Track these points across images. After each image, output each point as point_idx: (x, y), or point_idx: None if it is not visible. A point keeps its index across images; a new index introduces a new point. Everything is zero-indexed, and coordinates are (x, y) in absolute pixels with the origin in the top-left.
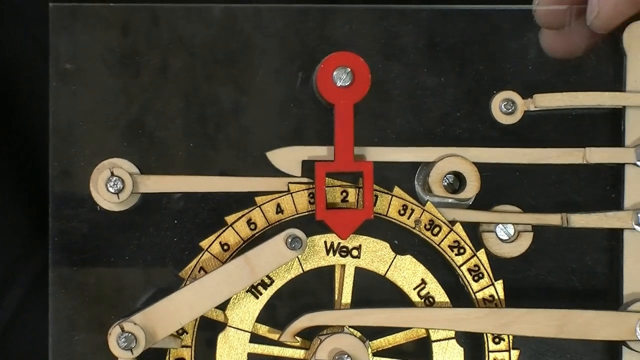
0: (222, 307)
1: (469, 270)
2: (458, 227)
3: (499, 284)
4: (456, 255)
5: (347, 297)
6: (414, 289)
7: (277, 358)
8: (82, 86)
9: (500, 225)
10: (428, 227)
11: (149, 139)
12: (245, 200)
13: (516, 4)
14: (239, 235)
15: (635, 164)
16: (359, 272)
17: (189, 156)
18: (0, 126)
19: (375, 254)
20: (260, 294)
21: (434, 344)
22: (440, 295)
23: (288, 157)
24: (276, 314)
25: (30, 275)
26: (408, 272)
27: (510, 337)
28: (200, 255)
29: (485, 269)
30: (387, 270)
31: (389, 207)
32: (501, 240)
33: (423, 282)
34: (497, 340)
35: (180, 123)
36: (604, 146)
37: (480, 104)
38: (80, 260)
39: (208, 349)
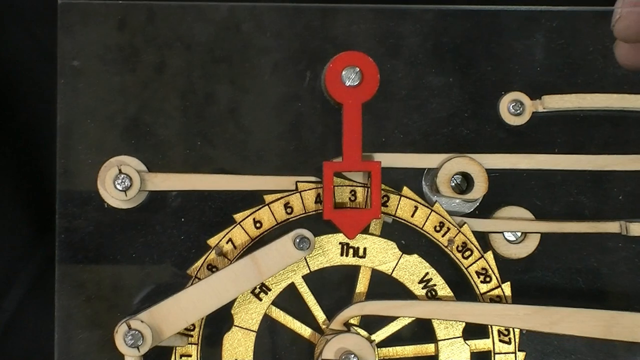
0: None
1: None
2: (466, 229)
3: (507, 286)
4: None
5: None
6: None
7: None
8: (89, 84)
9: None
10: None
11: (156, 136)
12: (251, 199)
13: (523, 5)
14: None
15: None
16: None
17: (196, 154)
18: (0, 126)
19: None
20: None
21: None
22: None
23: None
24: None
25: (30, 275)
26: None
27: (517, 339)
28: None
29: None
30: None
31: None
32: (508, 241)
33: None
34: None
35: (187, 121)
36: (610, 148)
37: (488, 105)
38: (86, 258)
39: (214, 347)
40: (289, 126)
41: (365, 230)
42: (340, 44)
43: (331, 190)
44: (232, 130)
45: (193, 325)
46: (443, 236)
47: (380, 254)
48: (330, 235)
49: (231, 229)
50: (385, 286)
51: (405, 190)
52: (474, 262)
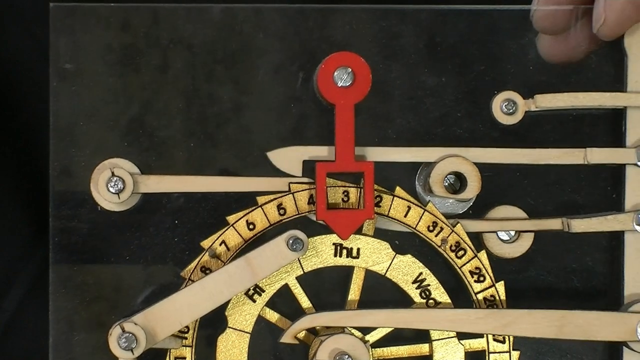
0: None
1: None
2: (459, 228)
3: (500, 285)
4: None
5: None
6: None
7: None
8: (82, 86)
9: None
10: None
11: (149, 138)
12: (246, 200)
13: (516, 4)
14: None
15: (636, 165)
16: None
17: (189, 156)
18: (0, 126)
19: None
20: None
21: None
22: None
23: (289, 157)
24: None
25: (30, 275)
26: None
27: (511, 338)
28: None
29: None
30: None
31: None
32: (502, 240)
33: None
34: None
35: (181, 123)
36: (605, 147)
37: (481, 104)
38: (81, 260)
39: (208, 349)
40: (289, 126)
41: (359, 231)
42: (335, 44)
43: (324, 191)
44: (231, 131)
45: (187, 327)
46: (436, 236)
47: (373, 255)
48: (324, 235)
49: (224, 231)
50: (379, 287)
51: (398, 190)
52: (467, 262)
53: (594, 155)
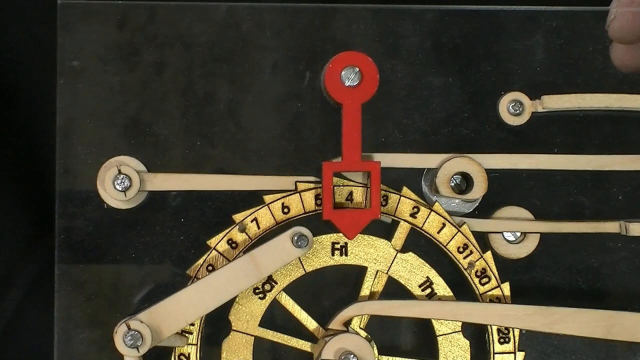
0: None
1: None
2: (465, 229)
3: (506, 286)
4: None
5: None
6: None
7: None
8: (88, 84)
9: None
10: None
11: (155, 136)
12: (251, 199)
13: (523, 5)
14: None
15: None
16: (361, 271)
17: (195, 154)
18: (0, 126)
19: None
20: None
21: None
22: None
23: None
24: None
25: (30, 275)
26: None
27: (516, 338)
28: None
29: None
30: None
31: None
32: (508, 241)
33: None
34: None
35: (187, 121)
36: (610, 148)
37: (487, 105)
38: (86, 258)
39: (213, 347)
40: (288, 126)
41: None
42: (339, 43)
43: (331, 190)
44: (232, 130)
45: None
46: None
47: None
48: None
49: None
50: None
51: (405, 190)
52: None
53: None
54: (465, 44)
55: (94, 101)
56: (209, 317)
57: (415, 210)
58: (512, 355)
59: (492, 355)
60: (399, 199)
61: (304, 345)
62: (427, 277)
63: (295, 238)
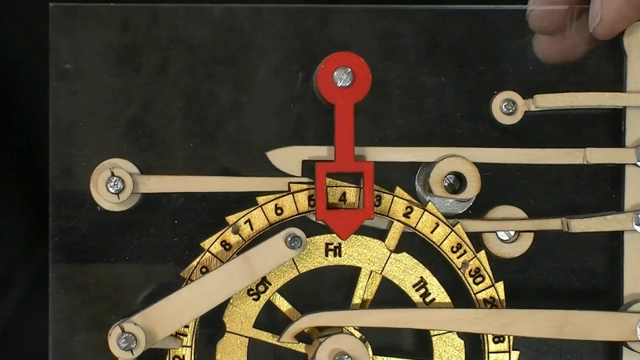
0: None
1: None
2: (459, 228)
3: (500, 286)
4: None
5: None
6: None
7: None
8: (82, 86)
9: None
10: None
11: (149, 138)
12: (245, 200)
13: (516, 4)
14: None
15: (635, 165)
16: (355, 271)
17: (189, 156)
18: (0, 126)
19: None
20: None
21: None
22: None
23: (288, 157)
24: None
25: (30, 275)
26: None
27: (511, 338)
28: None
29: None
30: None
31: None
32: (502, 240)
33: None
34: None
35: (180, 123)
36: (605, 146)
37: (481, 104)
38: (80, 260)
39: (208, 349)
40: (288, 126)
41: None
42: (336, 44)
43: (324, 191)
44: (231, 131)
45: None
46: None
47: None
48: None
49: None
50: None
51: (398, 190)
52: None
53: (594, 155)
54: (459, 43)
55: (88, 103)
56: (203, 319)
57: (409, 210)
58: (507, 354)
59: (486, 355)
60: (392, 199)
61: (298, 347)
62: (421, 277)
63: (289, 239)
